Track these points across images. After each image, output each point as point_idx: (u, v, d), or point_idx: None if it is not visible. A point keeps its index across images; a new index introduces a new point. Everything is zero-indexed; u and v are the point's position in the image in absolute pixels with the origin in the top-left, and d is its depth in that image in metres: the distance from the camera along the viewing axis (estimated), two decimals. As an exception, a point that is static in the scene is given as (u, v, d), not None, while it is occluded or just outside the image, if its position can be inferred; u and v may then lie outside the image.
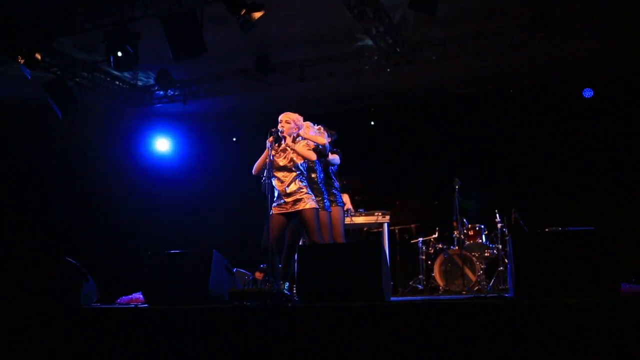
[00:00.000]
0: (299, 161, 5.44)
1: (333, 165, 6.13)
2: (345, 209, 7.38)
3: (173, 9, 6.66)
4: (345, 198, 7.79)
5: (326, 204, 5.77)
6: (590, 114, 8.66)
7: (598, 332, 3.00)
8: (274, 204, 5.44)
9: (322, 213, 5.66)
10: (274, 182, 5.47)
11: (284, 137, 5.48)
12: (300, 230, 5.53)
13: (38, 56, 7.15)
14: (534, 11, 6.74)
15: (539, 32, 7.04)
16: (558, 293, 3.76)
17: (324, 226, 5.64)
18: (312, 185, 5.65)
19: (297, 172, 5.45)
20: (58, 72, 8.12)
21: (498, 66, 8.50)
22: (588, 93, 8.70)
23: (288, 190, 5.40)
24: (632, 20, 7.18)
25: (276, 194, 5.46)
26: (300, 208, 5.36)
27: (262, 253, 5.41)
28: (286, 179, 5.44)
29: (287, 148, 5.48)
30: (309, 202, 5.37)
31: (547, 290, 3.80)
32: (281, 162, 5.47)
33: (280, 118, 5.60)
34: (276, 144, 5.49)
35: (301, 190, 5.41)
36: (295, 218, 5.43)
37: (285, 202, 5.40)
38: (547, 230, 6.70)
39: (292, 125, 5.56)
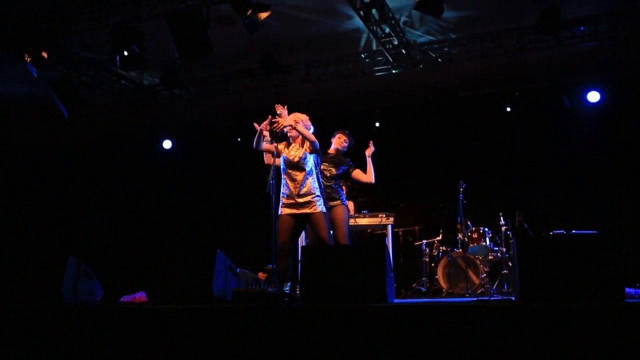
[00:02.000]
0: (307, 150, 5.49)
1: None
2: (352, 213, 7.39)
3: (179, 8, 6.67)
4: (350, 205, 7.80)
5: (343, 201, 6.02)
6: (595, 118, 8.64)
7: (601, 335, 3.00)
8: (283, 204, 5.45)
9: (340, 209, 5.92)
10: (286, 180, 5.48)
11: (289, 134, 5.55)
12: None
13: (44, 55, 7.17)
14: (540, 13, 6.73)
15: (545, 34, 7.02)
16: (562, 296, 3.75)
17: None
18: (324, 184, 5.81)
19: (308, 170, 5.47)
20: (64, 71, 8.14)
21: (504, 68, 8.48)
22: (593, 97, 8.68)
23: (301, 191, 5.42)
24: (639, 24, 7.16)
25: (287, 193, 5.46)
26: (311, 212, 5.39)
27: (275, 254, 5.42)
28: (298, 177, 5.45)
29: (297, 144, 5.54)
30: (319, 206, 5.41)
31: (551, 293, 3.80)
32: (292, 159, 5.50)
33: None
34: (285, 142, 5.54)
35: (313, 192, 5.44)
36: (305, 220, 5.45)
37: (296, 202, 5.42)
38: (551, 233, 6.68)
39: (301, 125, 5.59)
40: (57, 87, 7.75)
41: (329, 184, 6.06)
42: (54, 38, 7.33)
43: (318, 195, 5.46)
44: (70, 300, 4.90)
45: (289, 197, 5.44)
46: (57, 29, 7.19)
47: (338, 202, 6.06)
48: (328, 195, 5.96)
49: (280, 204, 5.47)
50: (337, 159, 6.27)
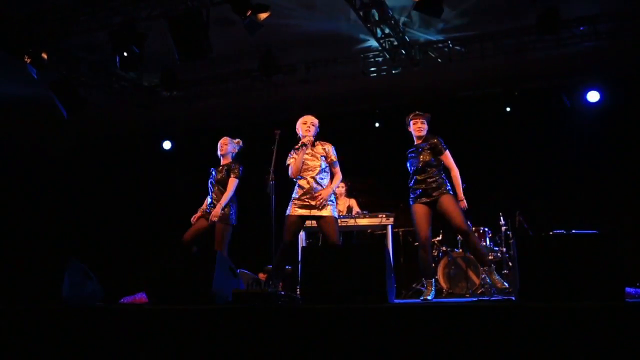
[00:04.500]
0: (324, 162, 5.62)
1: None
2: (354, 213, 7.41)
3: (179, 9, 6.68)
4: (352, 202, 7.81)
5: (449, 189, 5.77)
6: (595, 118, 8.65)
7: (602, 335, 3.00)
8: (296, 205, 5.48)
9: (447, 198, 5.65)
10: (301, 182, 5.53)
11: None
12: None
13: (44, 56, 7.19)
14: (540, 13, 6.74)
15: (545, 34, 7.03)
16: (562, 296, 3.75)
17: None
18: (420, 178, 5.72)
19: (324, 173, 5.60)
20: (64, 72, 8.15)
21: (503, 68, 8.49)
22: (593, 97, 8.68)
23: (316, 193, 5.48)
24: (639, 23, 7.17)
25: (299, 193, 5.49)
26: (324, 214, 5.44)
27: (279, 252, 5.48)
28: (314, 180, 5.52)
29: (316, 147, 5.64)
30: (331, 210, 5.49)
31: (551, 293, 3.79)
32: (310, 163, 5.56)
33: (306, 120, 5.70)
34: (304, 147, 5.59)
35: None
36: (318, 222, 5.51)
37: (309, 204, 5.46)
38: (551, 233, 6.68)
39: (316, 128, 5.74)
40: (56, 88, 7.75)
41: (427, 175, 5.68)
42: (54, 39, 7.34)
43: (332, 200, 5.56)
44: (70, 302, 4.89)
45: (300, 199, 5.49)
46: (56, 30, 7.20)
47: (443, 190, 5.60)
48: (431, 187, 5.59)
49: (291, 204, 5.51)
50: (421, 147, 5.86)
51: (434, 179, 5.65)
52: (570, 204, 8.54)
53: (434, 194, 5.57)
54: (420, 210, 5.60)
